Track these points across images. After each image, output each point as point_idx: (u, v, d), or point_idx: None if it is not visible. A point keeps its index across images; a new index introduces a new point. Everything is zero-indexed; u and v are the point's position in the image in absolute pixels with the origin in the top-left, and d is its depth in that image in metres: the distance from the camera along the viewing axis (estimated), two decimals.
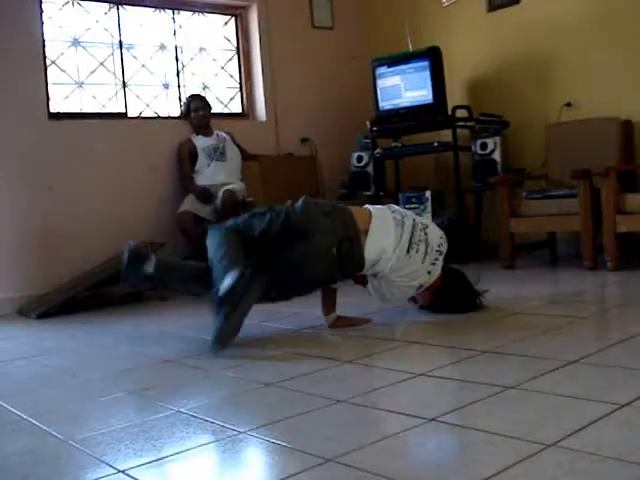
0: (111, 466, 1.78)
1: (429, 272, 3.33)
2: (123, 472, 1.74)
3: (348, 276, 3.36)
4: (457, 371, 2.50)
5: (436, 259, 3.35)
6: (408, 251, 3.27)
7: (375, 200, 6.07)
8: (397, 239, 3.26)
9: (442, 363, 2.58)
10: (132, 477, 1.71)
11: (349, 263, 3.23)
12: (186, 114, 5.74)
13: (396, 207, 3.53)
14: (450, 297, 3.44)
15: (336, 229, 3.24)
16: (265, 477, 1.73)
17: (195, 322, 3.83)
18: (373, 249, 3.24)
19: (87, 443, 1.98)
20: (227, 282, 2.90)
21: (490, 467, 1.55)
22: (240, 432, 1.96)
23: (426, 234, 3.35)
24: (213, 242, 3.23)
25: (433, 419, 1.92)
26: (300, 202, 3.38)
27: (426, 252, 3.30)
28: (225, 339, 2.94)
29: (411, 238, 3.28)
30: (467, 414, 1.97)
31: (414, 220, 3.39)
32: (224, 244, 3.17)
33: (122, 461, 1.82)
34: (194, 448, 1.90)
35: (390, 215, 3.37)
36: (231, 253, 3.11)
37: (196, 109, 5.67)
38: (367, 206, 3.55)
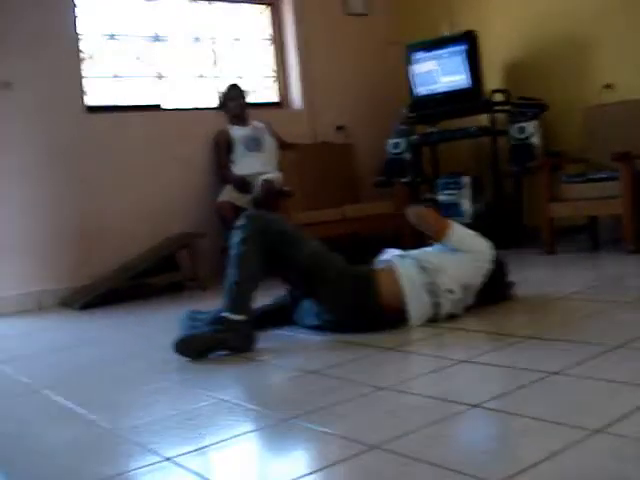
0: (157, 454, 1.81)
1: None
2: (169, 460, 1.76)
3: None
4: (500, 357, 2.48)
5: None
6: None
7: (413, 187, 6.05)
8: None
9: (484, 349, 2.56)
10: (179, 464, 1.73)
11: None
12: (223, 104, 5.75)
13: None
14: (485, 288, 3.19)
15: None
16: (310, 464, 1.74)
17: None
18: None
19: (133, 431, 2.01)
20: (228, 318, 2.84)
21: (536, 453, 1.54)
22: (284, 419, 1.97)
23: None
24: (234, 246, 2.99)
25: (477, 405, 1.91)
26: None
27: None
28: (186, 347, 2.82)
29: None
30: (511, 400, 1.96)
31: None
32: (242, 262, 2.92)
33: (168, 449, 1.84)
34: (239, 436, 1.92)
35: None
36: (244, 284, 2.90)
37: (233, 98, 5.68)
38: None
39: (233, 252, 2.97)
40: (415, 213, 3.26)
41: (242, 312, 2.85)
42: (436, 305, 2.97)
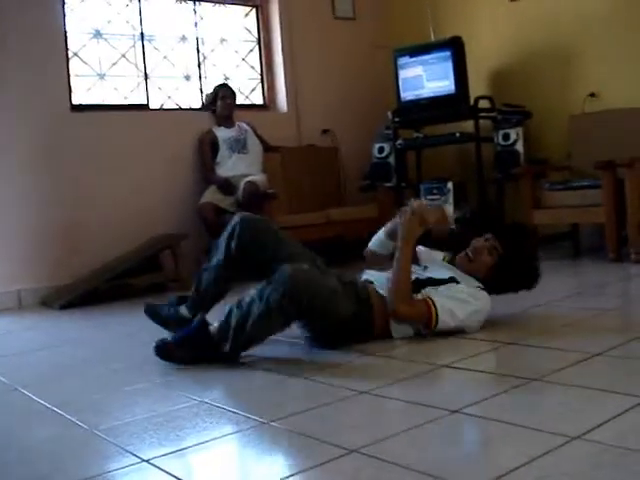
0: (135, 455, 1.79)
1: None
2: (147, 461, 1.75)
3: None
4: (480, 363, 2.48)
5: None
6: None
7: (397, 191, 6.06)
8: None
9: (465, 355, 2.56)
10: (156, 466, 1.72)
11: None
12: (212, 103, 5.74)
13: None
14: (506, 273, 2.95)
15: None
16: (289, 467, 1.73)
17: (219, 311, 3.83)
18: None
19: (111, 432, 1.99)
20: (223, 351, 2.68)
21: (514, 459, 1.54)
22: (264, 422, 1.97)
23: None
24: (268, 296, 2.62)
25: (456, 411, 1.91)
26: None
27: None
28: (168, 355, 2.73)
29: None
30: (490, 406, 1.96)
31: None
32: (265, 324, 2.63)
33: (146, 450, 1.83)
34: (218, 438, 1.91)
35: None
36: (254, 341, 2.69)
37: (224, 97, 5.67)
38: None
39: (264, 304, 2.58)
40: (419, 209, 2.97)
41: (239, 351, 2.72)
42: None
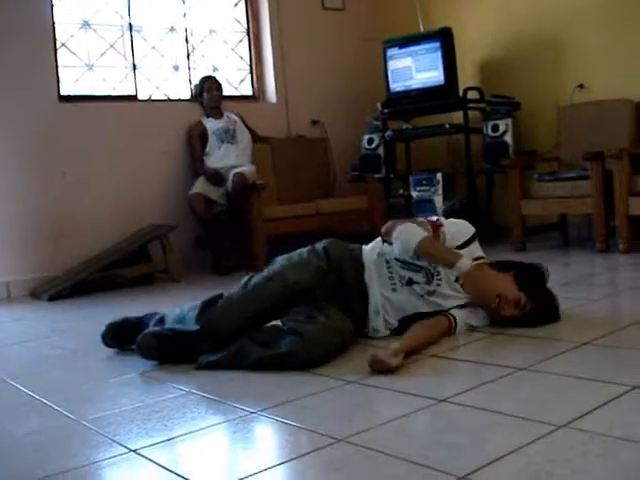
0: (123, 445, 1.79)
1: None
2: (135, 452, 1.75)
3: None
4: (468, 353, 2.49)
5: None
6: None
7: (386, 182, 6.07)
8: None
9: (452, 345, 2.57)
10: (143, 456, 1.72)
11: None
12: (199, 95, 5.72)
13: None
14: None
15: None
16: (276, 457, 1.74)
17: None
18: None
19: (99, 423, 1.99)
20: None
21: (502, 447, 1.55)
22: (251, 412, 1.97)
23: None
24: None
25: (444, 400, 1.92)
26: None
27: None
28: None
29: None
30: (478, 395, 1.97)
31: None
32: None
33: (134, 441, 1.83)
34: (205, 428, 1.91)
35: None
36: None
37: (209, 89, 5.64)
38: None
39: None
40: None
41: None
42: None
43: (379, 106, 6.07)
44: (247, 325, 2.56)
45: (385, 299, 2.73)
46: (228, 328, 2.56)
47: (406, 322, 2.69)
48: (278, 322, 2.57)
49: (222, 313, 2.61)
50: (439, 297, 2.71)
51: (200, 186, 5.41)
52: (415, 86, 5.86)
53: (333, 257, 2.75)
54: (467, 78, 5.89)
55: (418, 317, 2.68)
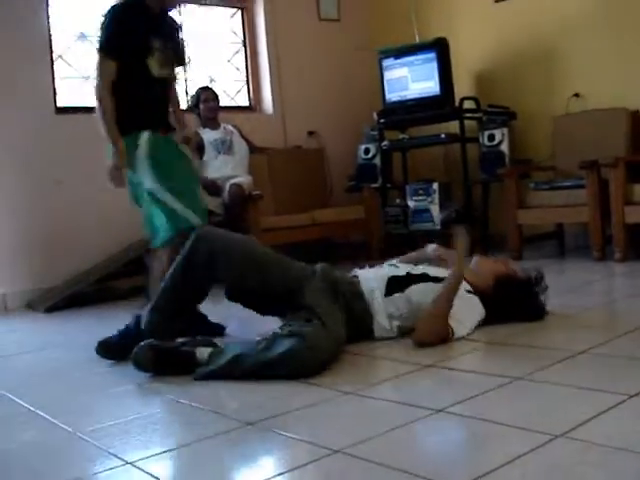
0: (119, 458, 1.79)
1: None
2: (131, 464, 1.74)
3: None
4: (464, 362, 2.49)
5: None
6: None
7: (383, 192, 6.08)
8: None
9: (449, 354, 2.57)
10: (140, 469, 1.71)
11: None
12: (195, 105, 5.72)
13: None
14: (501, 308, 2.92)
15: None
16: (273, 468, 1.73)
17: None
18: None
19: (95, 435, 1.98)
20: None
21: (499, 457, 1.55)
22: (248, 424, 1.96)
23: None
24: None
25: (441, 410, 1.91)
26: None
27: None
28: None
29: None
30: (475, 405, 1.96)
31: None
32: None
33: (130, 453, 1.82)
34: (202, 440, 1.90)
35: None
36: None
37: (206, 100, 5.64)
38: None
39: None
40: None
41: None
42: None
43: (375, 116, 6.08)
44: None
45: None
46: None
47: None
48: (277, 329, 2.57)
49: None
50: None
51: None
52: (411, 96, 5.87)
53: (324, 271, 2.88)
54: (463, 88, 5.91)
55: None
